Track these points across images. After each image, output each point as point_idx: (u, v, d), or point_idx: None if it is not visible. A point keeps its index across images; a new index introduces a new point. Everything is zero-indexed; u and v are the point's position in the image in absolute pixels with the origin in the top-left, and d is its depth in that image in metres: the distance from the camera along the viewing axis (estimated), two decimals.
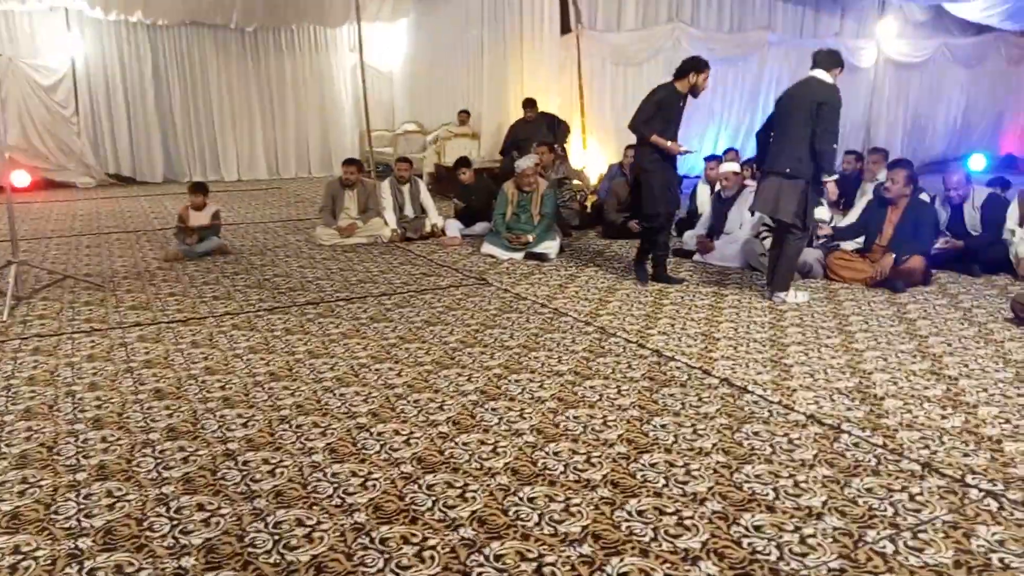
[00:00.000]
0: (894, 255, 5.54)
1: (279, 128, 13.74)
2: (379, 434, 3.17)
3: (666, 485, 2.73)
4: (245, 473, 2.84)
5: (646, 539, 2.39)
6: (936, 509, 2.56)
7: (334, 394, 3.62)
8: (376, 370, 3.94)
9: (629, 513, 2.54)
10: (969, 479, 2.76)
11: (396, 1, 13.41)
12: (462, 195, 8.01)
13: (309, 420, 3.32)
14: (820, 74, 5.01)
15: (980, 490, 2.69)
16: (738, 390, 3.64)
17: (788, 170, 4.96)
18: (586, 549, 2.34)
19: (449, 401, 3.52)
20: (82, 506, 2.61)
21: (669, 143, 5.42)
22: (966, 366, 3.97)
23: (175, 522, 2.50)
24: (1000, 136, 15.24)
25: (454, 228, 7.66)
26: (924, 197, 6.31)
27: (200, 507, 2.60)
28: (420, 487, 2.73)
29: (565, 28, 10.73)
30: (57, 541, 2.40)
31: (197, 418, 3.34)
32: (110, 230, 8.37)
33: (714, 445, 3.05)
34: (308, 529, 2.46)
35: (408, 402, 3.51)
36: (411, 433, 3.18)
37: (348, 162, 7.71)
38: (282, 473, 2.84)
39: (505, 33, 10.61)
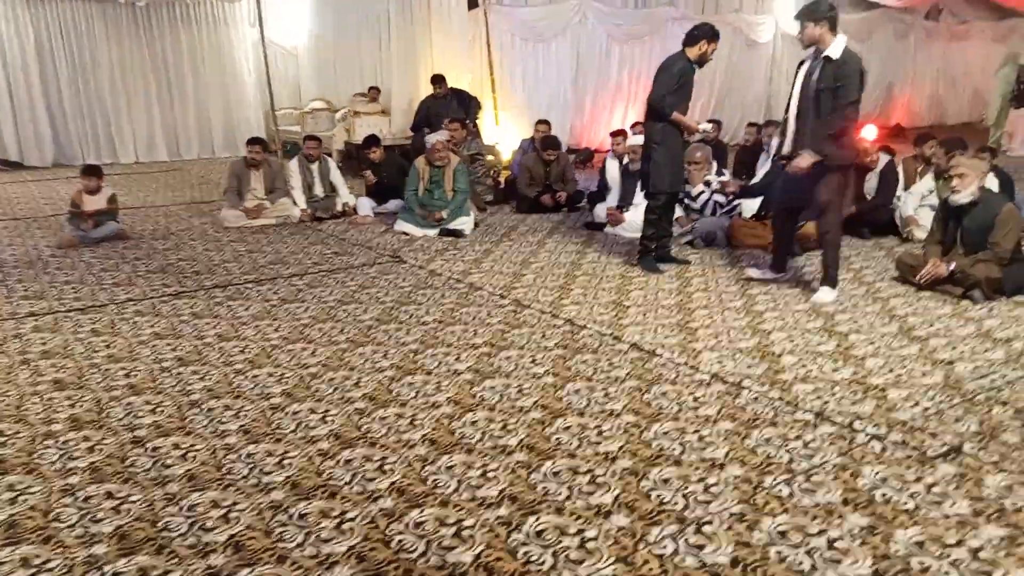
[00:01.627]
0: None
1: (178, 107, 13.14)
2: (294, 414, 3.15)
3: (580, 446, 2.83)
4: (156, 459, 2.77)
5: (561, 498, 2.48)
6: (827, 454, 2.75)
7: (246, 376, 3.56)
8: (289, 351, 3.89)
9: (544, 475, 2.63)
10: (856, 425, 2.97)
11: None
12: (374, 173, 7.92)
13: (221, 403, 3.26)
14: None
15: (866, 434, 2.90)
16: (647, 354, 3.78)
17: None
18: (503, 511, 2.41)
19: (365, 378, 3.52)
20: None
21: (690, 122, 5.19)
22: (856, 323, 4.24)
23: (84, 511, 2.43)
24: (890, 107, 16.11)
25: (366, 206, 7.57)
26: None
27: (109, 495, 2.53)
28: (338, 463, 2.74)
29: (472, 3, 10.68)
30: None
31: (102, 407, 3.23)
32: None
33: (624, 406, 3.17)
34: (224, 510, 2.44)
35: (323, 381, 3.50)
36: (327, 411, 3.17)
37: (253, 141, 7.49)
38: (194, 457, 2.79)
39: (413, 8, 10.45)
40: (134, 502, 2.49)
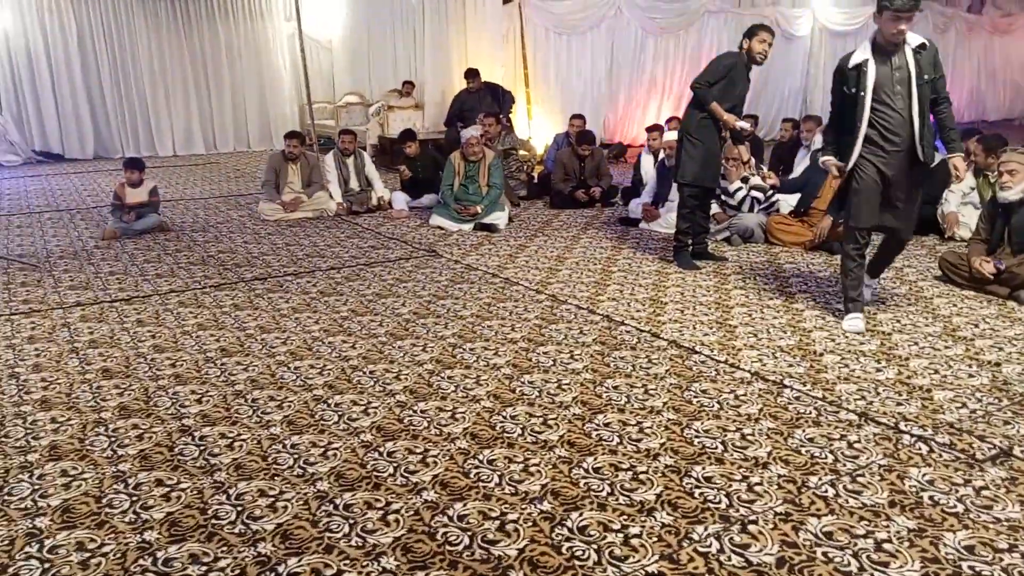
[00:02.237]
0: (832, 218, 5.74)
1: (215, 101, 13.33)
2: (336, 405, 3.19)
3: (620, 443, 2.82)
4: (203, 448, 2.83)
5: (603, 494, 2.48)
6: (872, 455, 2.72)
7: (288, 368, 3.61)
8: (329, 343, 3.94)
9: (586, 470, 2.63)
10: (902, 426, 2.93)
11: None
12: (408, 167, 7.96)
13: (265, 394, 3.31)
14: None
15: (912, 435, 2.86)
16: (686, 351, 3.76)
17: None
18: (546, 506, 2.42)
19: (405, 371, 3.55)
20: (36, 486, 2.57)
21: (727, 115, 5.04)
22: (898, 322, 4.18)
23: (135, 498, 2.49)
24: None
25: (401, 200, 7.62)
26: None
27: (159, 482, 2.58)
28: (381, 454, 2.77)
29: None
30: (14, 522, 2.36)
31: (149, 396, 3.30)
32: (41, 209, 8.06)
33: (665, 404, 3.16)
34: (271, 499, 2.48)
35: (364, 373, 3.53)
36: (369, 403, 3.21)
37: (291, 135, 7.57)
38: (241, 446, 2.84)
39: (447, 2, 10.49)
40: (184, 490, 2.54)
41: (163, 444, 2.86)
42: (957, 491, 2.48)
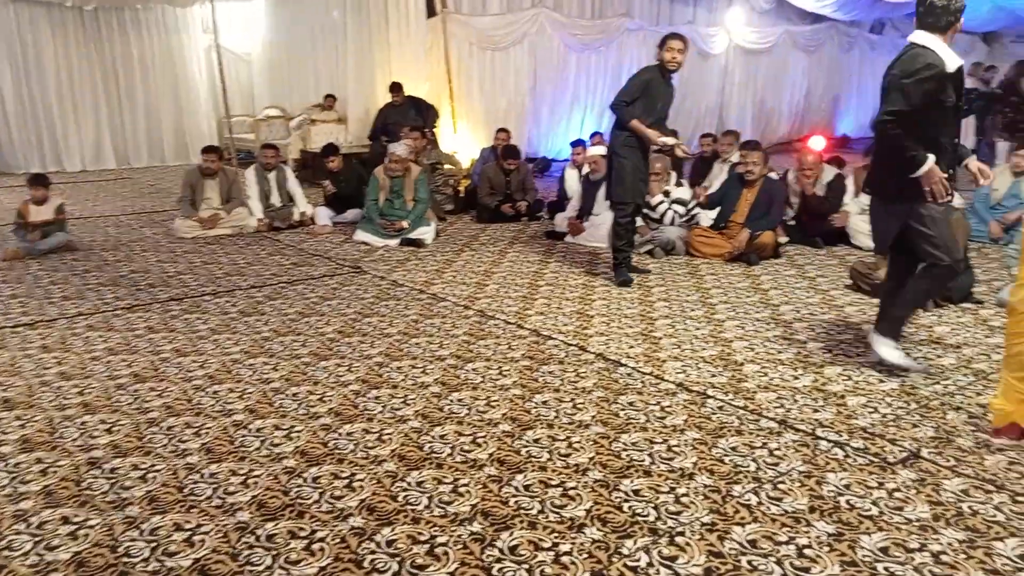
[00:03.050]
0: (749, 231, 5.93)
1: (127, 114, 12.81)
2: (258, 430, 3.08)
3: (550, 459, 2.82)
4: (113, 481, 2.69)
5: (534, 512, 2.47)
6: (792, 461, 2.80)
7: (206, 392, 3.47)
8: (250, 365, 3.81)
9: (516, 489, 2.62)
10: (819, 432, 3.03)
11: None
12: (332, 182, 7.83)
13: (181, 421, 3.17)
14: (920, 37, 3.40)
15: (828, 441, 2.96)
16: (613, 364, 3.80)
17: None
18: (476, 527, 2.39)
19: (330, 392, 3.47)
20: None
21: (648, 132, 5.01)
22: (813, 330, 4.33)
23: (38, 539, 2.34)
24: (836, 118, 16.56)
25: (324, 216, 7.48)
26: (772, 175, 6.77)
27: (65, 520, 2.44)
28: (305, 481, 2.68)
29: (431, 11, 10.67)
30: None
31: (54, 427, 3.12)
32: None
33: (593, 417, 3.18)
34: (188, 533, 2.37)
35: (287, 396, 3.43)
36: (292, 427, 3.11)
37: (208, 150, 7.35)
38: (154, 478, 2.71)
39: (369, 15, 10.40)
40: (92, 527, 2.40)
41: (69, 478, 2.70)
42: (871, 494, 2.57)
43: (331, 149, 7.98)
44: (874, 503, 2.52)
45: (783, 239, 6.33)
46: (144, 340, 4.20)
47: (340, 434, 3.04)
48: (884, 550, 2.27)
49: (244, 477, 2.70)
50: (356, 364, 3.82)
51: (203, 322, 4.52)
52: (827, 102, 16.23)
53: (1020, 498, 2.54)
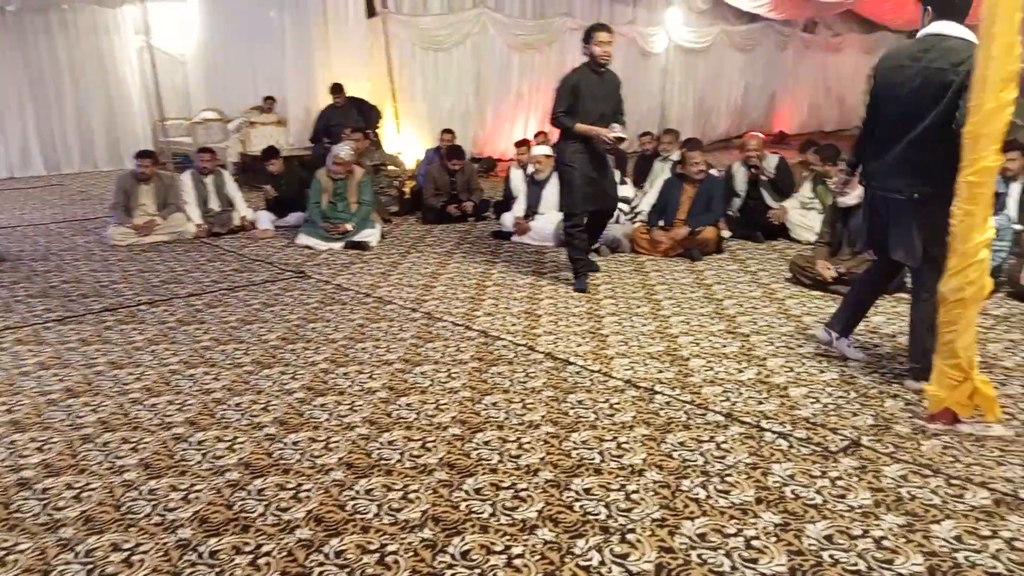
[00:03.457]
0: (689, 228, 6.02)
1: (56, 118, 12.31)
2: (199, 443, 2.99)
3: (500, 461, 2.81)
4: (45, 502, 2.57)
5: (485, 515, 2.45)
6: (739, 454, 2.84)
7: (144, 406, 3.36)
8: (190, 376, 3.70)
9: (467, 492, 2.59)
10: (764, 424, 3.09)
11: None
12: (273, 185, 7.67)
13: (117, 436, 3.06)
14: (948, 27, 3.17)
15: (773, 432, 3.01)
16: (561, 363, 3.81)
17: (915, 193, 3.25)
18: (427, 533, 2.36)
19: (274, 401, 3.39)
20: None
21: (593, 129, 4.86)
22: (755, 324, 4.42)
23: None
24: (773, 115, 16.96)
25: (266, 220, 7.33)
26: (714, 172, 6.88)
27: None
28: (249, 493, 2.61)
29: (371, 11, 10.55)
30: None
31: None
32: None
33: (543, 417, 3.17)
34: (126, 553, 2.28)
35: (229, 406, 3.34)
36: (235, 439, 3.03)
37: (142, 154, 7.12)
38: (90, 497, 2.60)
39: (309, 16, 10.21)
40: (23, 551, 2.29)
41: None
42: (815, 483, 2.62)
43: (271, 152, 7.83)
44: (818, 492, 2.57)
45: (726, 233, 6.45)
46: (77, 353, 4.04)
47: (285, 444, 2.97)
48: (828, 538, 2.31)
49: (185, 492, 2.62)
50: (301, 371, 3.74)
51: (139, 333, 4.37)
52: (764, 100, 16.61)
53: (955, 481, 2.63)
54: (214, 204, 7.28)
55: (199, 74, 13.20)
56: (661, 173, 7.57)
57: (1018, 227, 5.11)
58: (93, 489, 2.65)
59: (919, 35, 3.28)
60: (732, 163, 7.06)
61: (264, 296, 5.11)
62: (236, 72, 12.19)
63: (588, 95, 4.90)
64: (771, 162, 6.78)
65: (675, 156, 7.40)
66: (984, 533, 2.32)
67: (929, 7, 3.20)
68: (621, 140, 4.96)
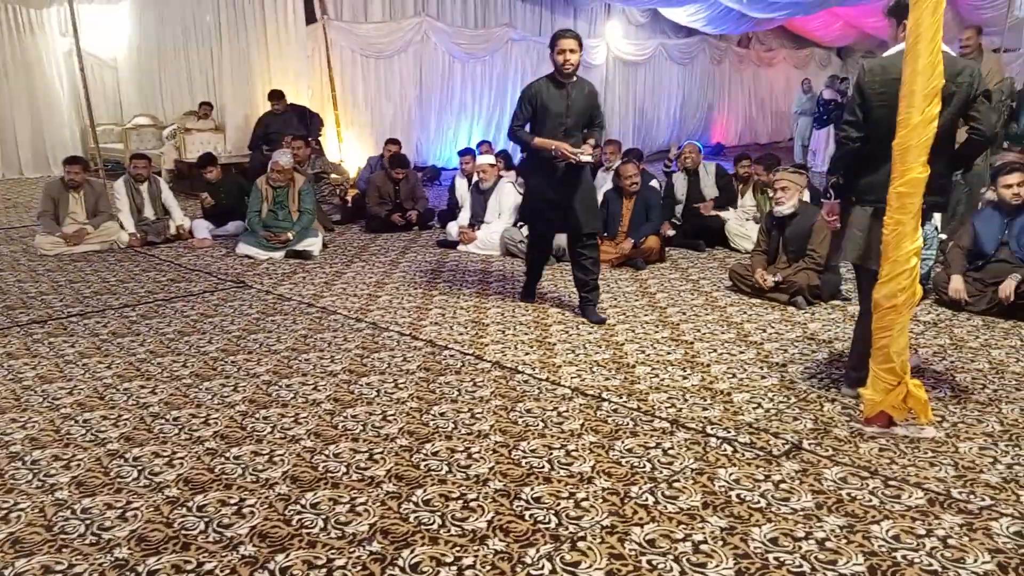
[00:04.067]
0: (632, 240, 6.11)
1: None
2: (135, 459, 2.88)
3: (449, 471, 2.78)
4: None
5: (435, 526, 2.43)
6: (685, 459, 2.88)
7: (76, 421, 3.22)
8: (125, 390, 3.56)
9: (416, 504, 2.56)
10: (709, 429, 3.14)
11: None
12: (211, 193, 7.47)
13: (47, 454, 2.92)
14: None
15: (718, 438, 3.07)
16: (509, 371, 3.81)
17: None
18: (376, 546, 2.32)
19: (214, 415, 3.29)
20: None
21: (552, 143, 4.40)
22: (698, 331, 4.50)
23: None
24: (711, 127, 17.38)
25: (203, 229, 7.13)
26: (654, 184, 7.01)
27: None
28: (190, 510, 2.53)
29: (311, 18, 10.42)
30: None
31: None
32: None
33: (492, 426, 3.16)
34: (59, 575, 2.18)
35: (167, 420, 3.23)
36: (173, 453, 2.93)
37: (71, 160, 6.86)
38: (19, 517, 2.47)
39: (246, 20, 10.02)
40: None
41: None
42: (760, 487, 2.68)
43: (208, 159, 7.65)
44: (762, 495, 2.62)
45: (670, 232, 6.60)
46: (3, 368, 3.85)
47: (227, 458, 2.89)
48: (774, 540, 2.36)
49: (121, 510, 2.52)
50: (242, 383, 3.65)
51: (70, 345, 4.20)
52: (701, 112, 17.02)
53: (892, 482, 2.72)
54: (149, 212, 7.06)
55: (131, 79, 12.81)
56: (604, 183, 7.66)
57: (943, 236, 5.34)
58: (22, 509, 2.52)
59: (902, 49, 3.22)
60: (675, 172, 7.21)
61: (203, 307, 4.97)
62: (170, 77, 11.88)
63: (549, 107, 4.45)
64: (710, 170, 6.94)
65: (616, 166, 7.50)
66: (920, 532, 2.41)
67: (905, 21, 3.16)
68: (583, 164, 4.50)
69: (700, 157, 7.07)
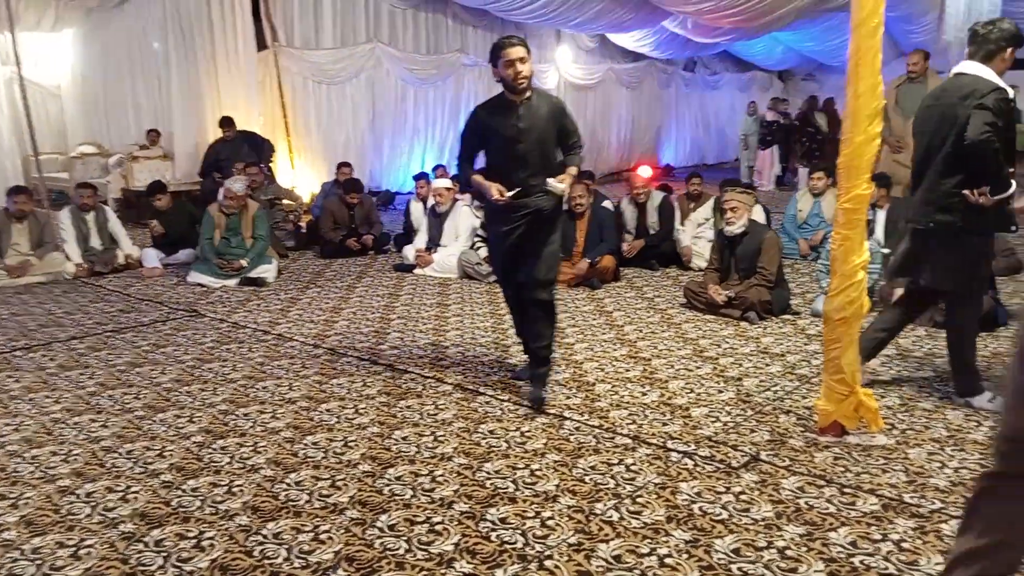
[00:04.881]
0: (588, 260, 6.19)
1: None
2: (88, 495, 2.80)
3: (414, 495, 2.77)
4: None
5: (401, 551, 2.41)
6: (647, 475, 2.92)
7: (23, 458, 3.11)
8: (75, 424, 3.46)
9: (381, 529, 2.54)
10: (669, 444, 3.19)
11: (59, 10, 11.83)
12: (160, 222, 7.33)
13: None
14: (966, 66, 3.43)
15: (678, 452, 3.11)
16: (471, 393, 3.81)
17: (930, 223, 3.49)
18: (341, 574, 2.29)
19: (170, 446, 3.22)
20: None
21: (484, 184, 3.61)
22: (656, 348, 4.56)
23: None
24: (660, 149, 17.72)
25: (153, 258, 6.99)
26: (607, 205, 7.11)
27: None
28: (147, 545, 2.46)
29: (261, 44, 10.36)
30: None
31: None
32: None
33: (455, 449, 3.15)
34: None
35: (120, 454, 3.14)
36: (128, 488, 2.85)
37: (15, 190, 6.69)
38: None
39: (196, 48, 9.92)
40: None
41: None
42: (721, 499, 2.72)
43: (158, 187, 7.51)
44: (723, 507, 2.67)
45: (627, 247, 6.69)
46: None
47: (184, 490, 2.82)
48: (736, 551, 2.40)
49: (74, 548, 2.44)
50: (198, 414, 3.57)
51: (15, 380, 4.06)
52: (651, 134, 17.35)
53: (847, 490, 2.79)
54: (96, 242, 6.90)
55: (76, 107, 12.50)
56: None
57: (886, 251, 5.53)
58: None
59: (949, 76, 3.55)
60: (621, 199, 7.31)
61: (154, 337, 4.86)
62: (116, 105, 11.65)
63: (499, 132, 3.63)
64: (655, 199, 7.05)
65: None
66: (876, 537, 2.48)
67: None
68: (545, 201, 3.66)
69: (650, 190, 7.15)
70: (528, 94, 3.60)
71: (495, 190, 3.56)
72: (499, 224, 3.74)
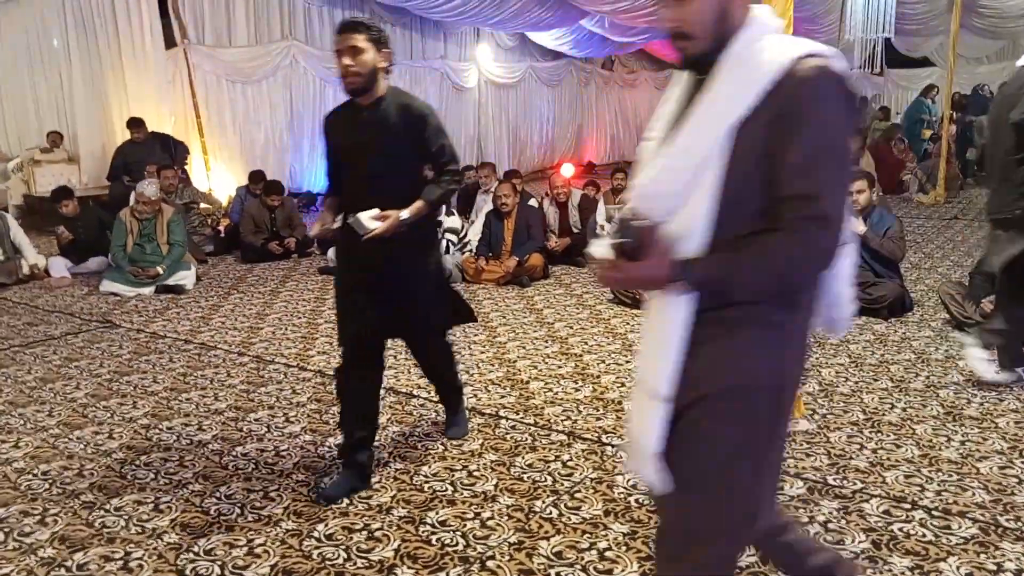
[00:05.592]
0: (517, 258, 6.22)
1: None
2: (1, 521, 2.64)
3: (351, 503, 2.72)
4: None
5: (340, 561, 2.37)
6: (584, 470, 2.96)
7: None
8: None
9: (318, 539, 2.49)
10: (604, 439, 3.24)
11: None
12: (68, 229, 6.98)
13: None
14: None
15: (612, 447, 3.16)
16: (405, 396, 3.77)
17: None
18: None
19: (89, 464, 3.07)
20: None
21: (317, 222, 3.02)
22: (586, 344, 4.63)
23: None
24: (581, 146, 17.96)
25: (61, 267, 6.65)
26: (533, 203, 7.16)
27: None
28: (69, 570, 2.34)
29: (170, 42, 9.98)
30: None
31: None
32: None
33: (390, 454, 3.12)
34: None
35: (35, 475, 2.98)
36: (46, 510, 2.71)
37: None
38: None
39: (99, 45, 9.47)
40: None
41: None
42: None
43: (64, 192, 7.16)
44: None
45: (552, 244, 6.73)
46: None
47: (108, 510, 2.70)
48: None
49: None
50: (118, 429, 3.42)
51: None
52: (572, 132, 17.57)
53: None
54: None
55: None
56: (484, 205, 7.75)
57: None
58: None
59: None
60: (543, 199, 7.37)
61: (66, 350, 4.63)
62: (14, 106, 11.00)
63: (343, 147, 2.90)
64: (575, 197, 7.14)
65: (494, 188, 7.61)
66: (804, 519, 2.58)
67: None
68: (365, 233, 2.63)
69: (570, 189, 7.24)
70: (377, 97, 2.77)
71: (317, 224, 2.93)
72: (343, 257, 2.98)
